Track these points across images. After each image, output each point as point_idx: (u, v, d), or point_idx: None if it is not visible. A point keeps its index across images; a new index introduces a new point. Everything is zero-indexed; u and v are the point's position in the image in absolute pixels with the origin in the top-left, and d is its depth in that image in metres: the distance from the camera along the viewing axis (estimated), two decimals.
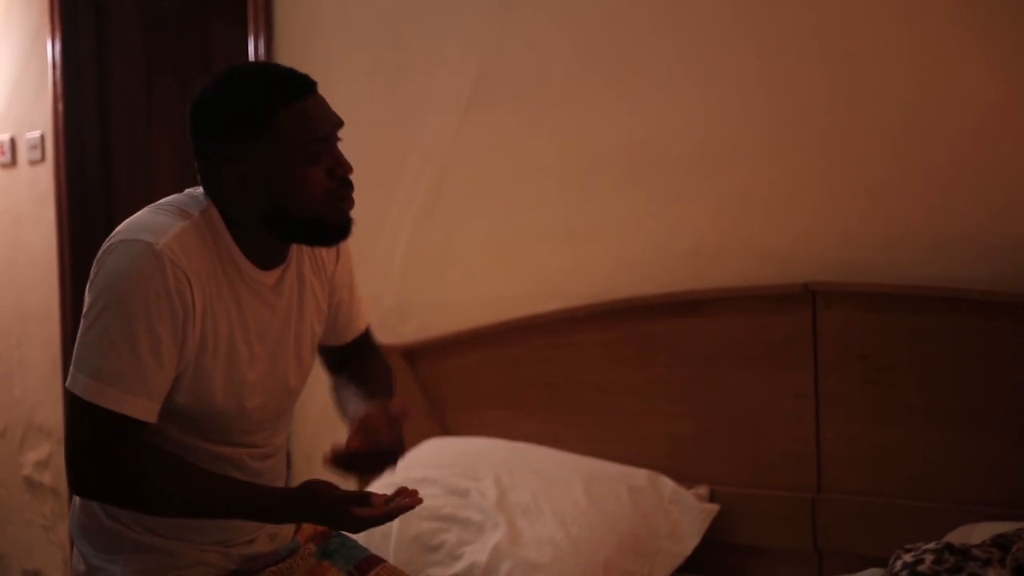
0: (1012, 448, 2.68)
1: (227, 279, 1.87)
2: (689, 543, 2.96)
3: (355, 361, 2.24)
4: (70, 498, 4.71)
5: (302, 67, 3.86)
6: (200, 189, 1.92)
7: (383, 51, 3.78)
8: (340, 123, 1.89)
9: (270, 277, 1.93)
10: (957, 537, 2.44)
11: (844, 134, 2.95)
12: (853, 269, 2.90)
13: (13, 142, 4.87)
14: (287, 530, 2.14)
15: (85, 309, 1.79)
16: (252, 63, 1.98)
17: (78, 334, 1.79)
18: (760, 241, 3.06)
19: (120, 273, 1.76)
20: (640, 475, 3.04)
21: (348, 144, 3.73)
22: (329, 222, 1.88)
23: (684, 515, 2.99)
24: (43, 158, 4.73)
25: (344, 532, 2.22)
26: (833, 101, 2.96)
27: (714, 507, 3.02)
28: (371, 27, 3.81)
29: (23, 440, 4.92)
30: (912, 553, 2.24)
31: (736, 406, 3.04)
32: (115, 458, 1.76)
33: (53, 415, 4.73)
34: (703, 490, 3.07)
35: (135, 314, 1.74)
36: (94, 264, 1.82)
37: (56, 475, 4.76)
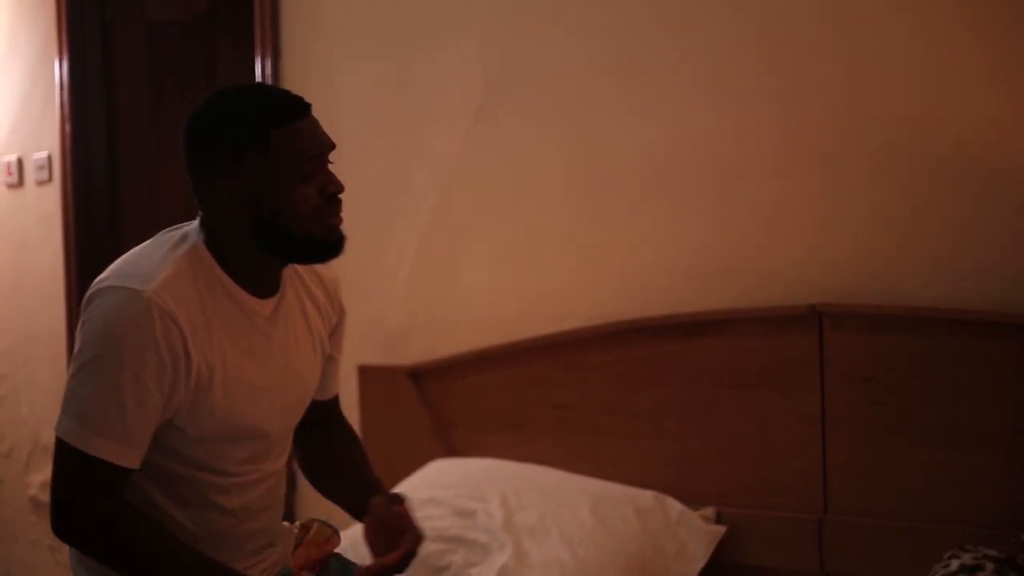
0: (1020, 469, 2.67)
1: (221, 312, 1.87)
2: (696, 564, 2.95)
3: (332, 436, 2.25)
4: None
5: (309, 84, 3.91)
6: (190, 224, 1.95)
7: (389, 66, 3.79)
8: (332, 145, 1.92)
9: (266, 306, 1.94)
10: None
11: (852, 154, 2.95)
12: (860, 290, 2.90)
13: (20, 162, 4.88)
14: (282, 555, 2.13)
15: (75, 352, 1.83)
16: (246, 84, 2.02)
17: (68, 375, 1.82)
18: (767, 261, 3.06)
19: (107, 320, 1.79)
20: (647, 496, 3.03)
21: (354, 159, 3.75)
22: (319, 239, 1.88)
23: (691, 536, 2.98)
24: (50, 178, 4.74)
25: (342, 555, 2.24)
26: (841, 116, 2.97)
27: (720, 528, 3.01)
28: (377, 42, 3.82)
29: (29, 460, 4.92)
30: (972, 555, 2.21)
31: (743, 427, 3.03)
32: (92, 506, 1.80)
33: None
34: (710, 511, 3.06)
35: (121, 362, 1.76)
36: (83, 304, 1.86)
37: None
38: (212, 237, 1.90)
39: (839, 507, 2.89)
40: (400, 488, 3.20)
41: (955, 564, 2.20)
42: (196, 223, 1.94)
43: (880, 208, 2.91)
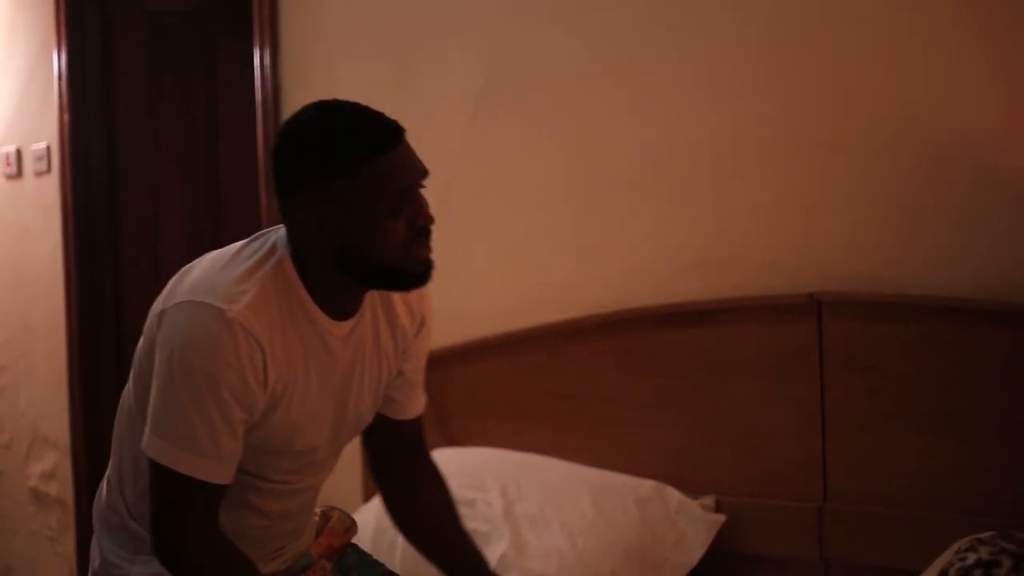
0: (1018, 456, 2.68)
1: (298, 333, 1.85)
2: (695, 553, 2.96)
3: (421, 486, 2.21)
4: (76, 509, 4.73)
5: (307, 77, 3.91)
6: (273, 234, 1.92)
7: (388, 61, 3.79)
8: (425, 173, 1.86)
9: (343, 328, 1.92)
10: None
11: (850, 143, 2.95)
12: (858, 279, 2.90)
13: (19, 154, 4.88)
14: (304, 546, 2.14)
15: (156, 368, 1.80)
16: (340, 106, 1.89)
17: (152, 391, 1.80)
18: (766, 251, 3.06)
19: (191, 338, 1.76)
20: (646, 486, 3.03)
21: None
22: (406, 271, 1.85)
23: (690, 525, 2.99)
24: (49, 169, 4.74)
25: (358, 545, 2.26)
26: (840, 111, 2.97)
27: (720, 517, 3.02)
28: (376, 37, 3.82)
29: (29, 451, 4.93)
30: (989, 548, 2.19)
31: (742, 416, 3.04)
32: (194, 527, 1.81)
33: (59, 426, 4.74)
34: (709, 500, 3.07)
35: (206, 381, 1.75)
36: (158, 316, 1.84)
37: (62, 486, 4.76)
38: (297, 253, 1.87)
39: (838, 495, 2.89)
40: None
41: (972, 558, 2.17)
42: (283, 232, 1.90)
43: (878, 198, 2.91)
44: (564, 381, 3.30)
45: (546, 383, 3.33)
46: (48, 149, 4.74)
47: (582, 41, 3.38)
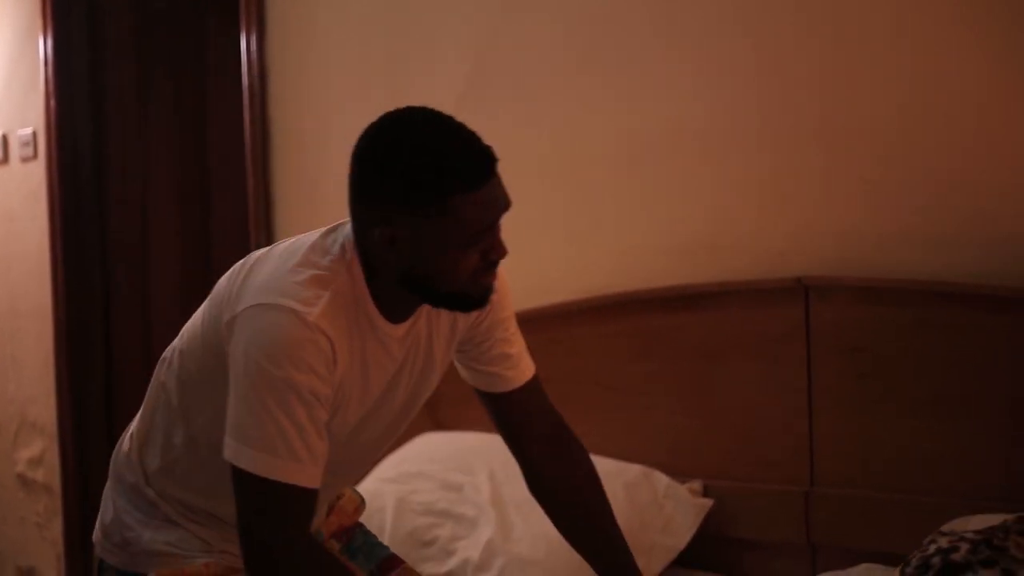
0: (1007, 441, 2.68)
1: (361, 336, 1.83)
2: (683, 537, 2.96)
3: (573, 472, 2.18)
4: (63, 495, 4.72)
5: (293, 61, 3.89)
6: (342, 233, 1.87)
7: (376, 46, 3.78)
8: (508, 205, 1.81)
9: (399, 330, 1.88)
10: (953, 527, 2.44)
11: (840, 128, 2.94)
12: (848, 264, 2.90)
13: (5, 139, 4.87)
14: (316, 524, 2.10)
15: (234, 377, 1.75)
16: (435, 125, 1.83)
17: (231, 401, 1.75)
18: (753, 235, 3.06)
19: (273, 343, 1.71)
20: (634, 470, 3.04)
21: (340, 140, 3.73)
22: (469, 297, 1.83)
23: (678, 510, 2.99)
24: (35, 155, 4.73)
25: (364, 526, 2.26)
26: (829, 95, 2.96)
27: (708, 502, 3.02)
28: (364, 22, 3.81)
29: (16, 437, 4.92)
30: (949, 539, 2.23)
31: (731, 400, 3.04)
32: (288, 532, 1.75)
33: (46, 411, 4.73)
34: (697, 485, 3.07)
35: (292, 384, 1.70)
36: (228, 323, 1.79)
37: (49, 472, 4.76)
38: (365, 258, 1.82)
39: (826, 479, 2.90)
40: (388, 462, 3.21)
41: (932, 548, 2.22)
42: (349, 236, 1.85)
43: (865, 182, 2.91)
44: (554, 365, 3.28)
45: (536, 367, 3.32)
46: (34, 135, 4.73)
47: (570, 27, 3.37)
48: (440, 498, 2.96)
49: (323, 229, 1.89)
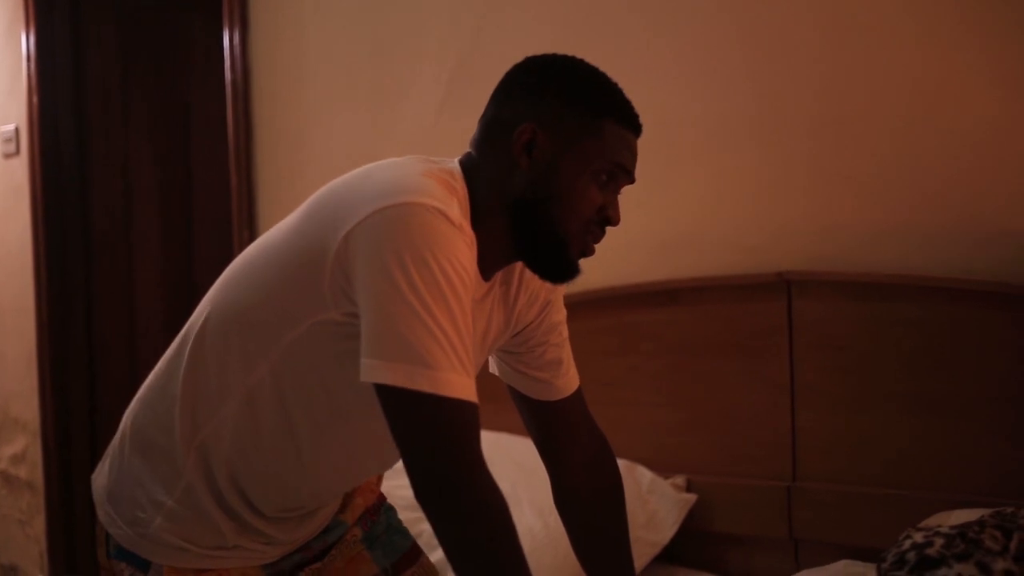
0: (987, 436, 2.69)
1: None
2: (666, 532, 2.97)
3: (608, 508, 2.09)
4: (46, 492, 4.70)
5: (277, 57, 3.88)
6: (450, 165, 1.74)
7: (360, 42, 3.78)
8: (633, 179, 1.79)
9: (480, 289, 1.75)
10: (933, 523, 2.45)
11: (822, 124, 2.95)
12: (830, 260, 2.91)
13: None
14: (337, 503, 1.99)
15: (373, 286, 1.51)
16: (602, 72, 1.79)
17: (374, 317, 1.51)
18: (738, 231, 3.07)
19: (422, 238, 1.50)
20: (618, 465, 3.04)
21: (324, 133, 3.72)
22: (568, 252, 1.72)
23: (661, 505, 3.00)
24: (18, 151, 4.72)
25: (392, 508, 2.11)
26: (810, 92, 2.97)
27: (691, 496, 3.03)
28: (348, 17, 3.81)
29: None
30: (923, 534, 2.24)
31: (713, 395, 3.05)
32: (471, 456, 1.54)
33: (28, 408, 4.72)
34: (680, 480, 3.08)
35: (450, 283, 1.51)
36: (349, 232, 1.54)
37: (31, 469, 4.75)
38: (475, 194, 1.70)
39: (808, 474, 2.91)
40: None
41: (907, 544, 2.23)
42: (456, 166, 1.74)
43: (847, 176, 2.92)
44: None
45: None
46: (17, 131, 4.71)
47: (554, 22, 3.38)
48: None
49: (409, 156, 1.74)
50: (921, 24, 2.83)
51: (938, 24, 2.81)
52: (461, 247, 1.54)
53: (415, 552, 2.09)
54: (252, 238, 4.00)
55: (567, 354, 2.01)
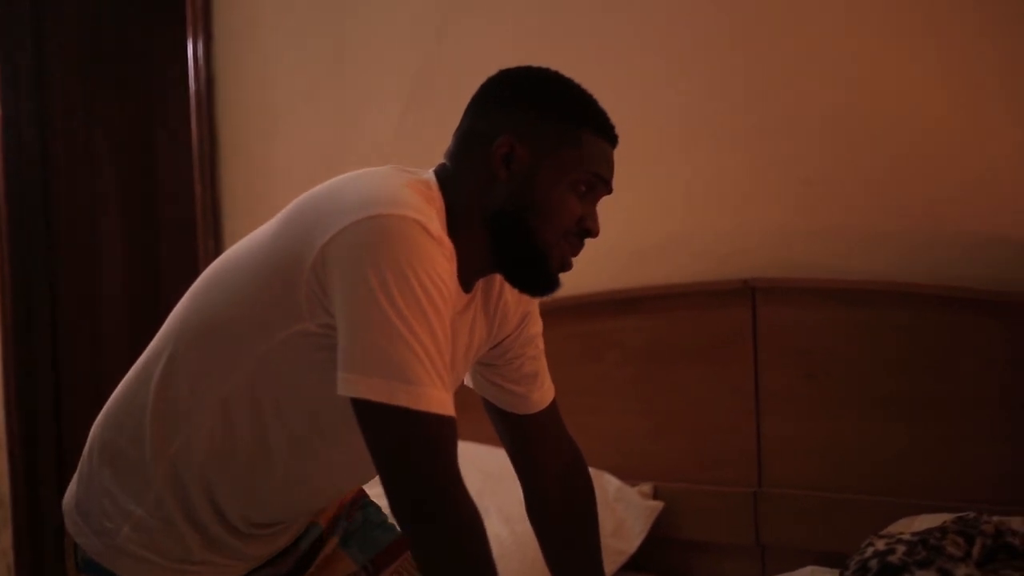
0: (952, 440, 2.71)
1: None
2: (634, 541, 2.98)
3: (576, 517, 2.07)
4: (13, 504, 4.65)
5: (241, 67, 3.86)
6: (425, 175, 1.71)
7: (322, 51, 3.78)
8: (611, 189, 1.79)
9: (461, 301, 1.72)
10: (897, 529, 2.47)
11: (783, 132, 2.97)
12: (792, 264, 2.93)
13: None
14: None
15: (349, 298, 1.50)
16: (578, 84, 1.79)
17: (350, 333, 1.49)
18: (700, 237, 3.08)
19: (400, 251, 1.48)
20: None
21: (287, 142, 3.71)
22: (547, 265, 1.70)
23: (629, 512, 3.00)
24: None
25: (373, 503, 2.06)
26: (772, 99, 2.99)
27: (658, 504, 3.04)
28: (310, 26, 3.81)
29: None
30: (886, 541, 2.25)
31: (680, 403, 3.06)
32: (451, 473, 1.52)
33: None
34: (647, 487, 3.08)
35: (428, 296, 1.49)
36: (327, 243, 1.53)
37: None
38: (452, 205, 1.68)
39: (773, 480, 2.92)
40: None
41: (870, 551, 2.24)
42: (432, 177, 1.72)
43: (812, 183, 2.93)
44: None
45: None
46: None
47: (515, 28, 3.39)
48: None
49: (386, 167, 1.71)
50: (891, 29, 2.85)
51: (888, 30, 2.83)
52: (441, 260, 1.52)
53: (398, 547, 2.02)
54: (217, 247, 3.98)
55: (543, 367, 2.00)
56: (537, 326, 1.96)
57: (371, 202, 1.53)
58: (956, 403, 2.71)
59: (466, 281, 1.72)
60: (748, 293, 2.92)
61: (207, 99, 4.04)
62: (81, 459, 1.83)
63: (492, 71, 3.37)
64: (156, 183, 4.65)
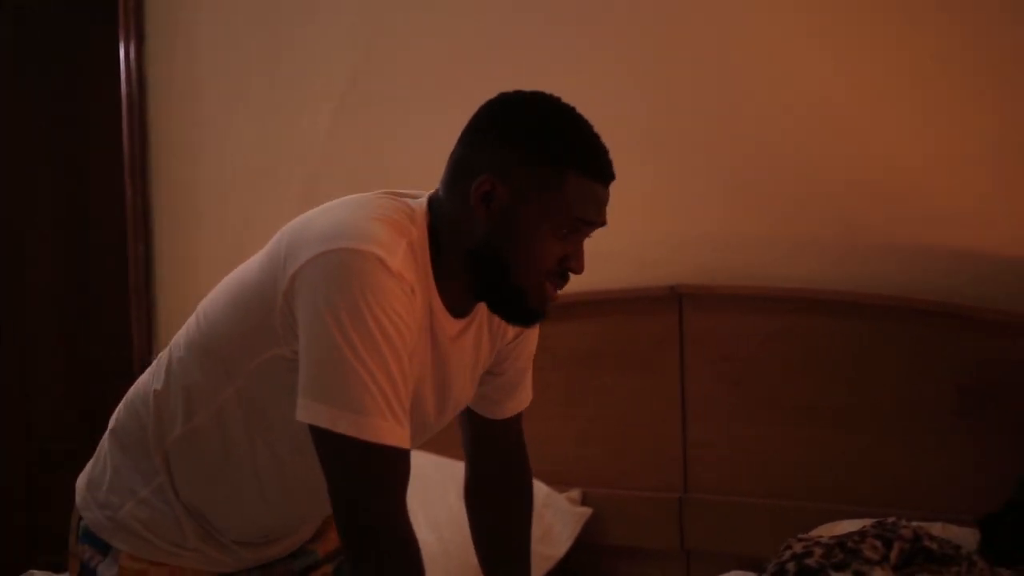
0: (873, 445, 2.74)
1: (419, 322, 1.66)
2: (562, 546, 2.98)
3: (504, 507, 2.11)
4: None
5: (173, 67, 3.84)
6: (412, 202, 1.72)
7: (254, 54, 3.76)
8: (604, 222, 1.74)
9: (454, 327, 1.74)
10: (818, 533, 2.48)
11: (711, 142, 2.99)
12: (719, 271, 2.95)
13: None
14: (309, 533, 2.00)
15: (310, 329, 1.55)
16: (574, 112, 1.76)
17: (310, 360, 1.55)
18: (631, 244, 3.08)
19: (357, 287, 1.52)
20: None
21: (219, 145, 3.69)
22: (528, 300, 1.69)
23: (557, 519, 3.01)
24: None
25: None
26: (702, 110, 3.01)
27: (586, 510, 3.05)
28: (242, 30, 3.79)
29: None
30: (803, 544, 2.27)
31: (607, 408, 3.07)
32: (395, 500, 1.57)
33: None
34: (575, 493, 3.09)
35: (384, 334, 1.53)
36: (295, 273, 1.58)
37: None
38: (437, 232, 1.69)
39: (698, 486, 2.94)
40: None
41: (787, 554, 2.26)
42: (424, 201, 1.72)
43: (738, 190, 2.96)
44: None
45: None
46: None
47: (450, 34, 3.39)
48: None
49: (377, 191, 1.73)
50: (821, 38, 2.88)
51: (838, 39, 2.86)
52: (398, 295, 1.55)
53: None
54: (147, 252, 3.96)
55: (526, 381, 2.04)
56: (532, 344, 1.99)
57: (334, 236, 1.56)
58: (879, 410, 2.74)
59: (459, 307, 1.74)
60: (675, 300, 2.94)
61: (138, 101, 4.00)
62: (102, 438, 1.90)
63: (426, 76, 3.41)
64: (88, 184, 4.61)
